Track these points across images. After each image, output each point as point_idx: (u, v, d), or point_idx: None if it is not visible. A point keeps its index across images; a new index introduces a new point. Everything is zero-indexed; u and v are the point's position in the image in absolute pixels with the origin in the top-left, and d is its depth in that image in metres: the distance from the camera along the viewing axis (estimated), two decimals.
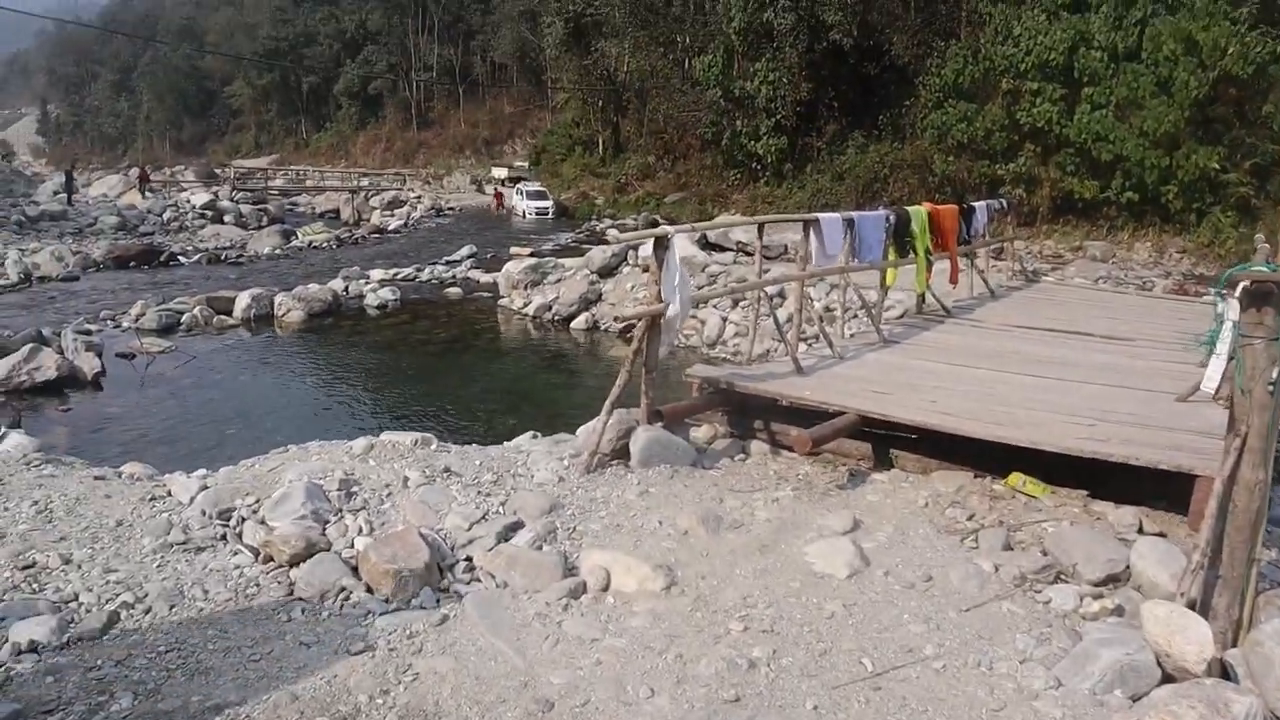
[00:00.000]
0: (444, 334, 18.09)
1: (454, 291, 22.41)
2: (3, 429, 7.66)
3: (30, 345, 13.09)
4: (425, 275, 24.43)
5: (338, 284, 21.13)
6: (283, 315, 18.36)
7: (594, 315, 18.37)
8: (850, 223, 9.71)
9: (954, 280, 12.72)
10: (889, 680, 3.97)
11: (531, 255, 24.65)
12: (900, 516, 5.79)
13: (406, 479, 6.02)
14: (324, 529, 5.19)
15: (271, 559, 4.87)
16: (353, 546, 5.03)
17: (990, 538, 5.38)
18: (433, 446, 6.86)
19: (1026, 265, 18.28)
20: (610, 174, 51.79)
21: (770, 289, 12.11)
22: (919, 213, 11.26)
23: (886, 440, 7.09)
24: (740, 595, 4.69)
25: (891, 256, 10.85)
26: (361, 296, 20.77)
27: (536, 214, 46.09)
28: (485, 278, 23.43)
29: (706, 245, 22.07)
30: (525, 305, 19.64)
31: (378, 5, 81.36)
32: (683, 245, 11.28)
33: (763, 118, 38.59)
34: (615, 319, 13.81)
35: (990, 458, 6.40)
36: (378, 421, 11.59)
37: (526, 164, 61.83)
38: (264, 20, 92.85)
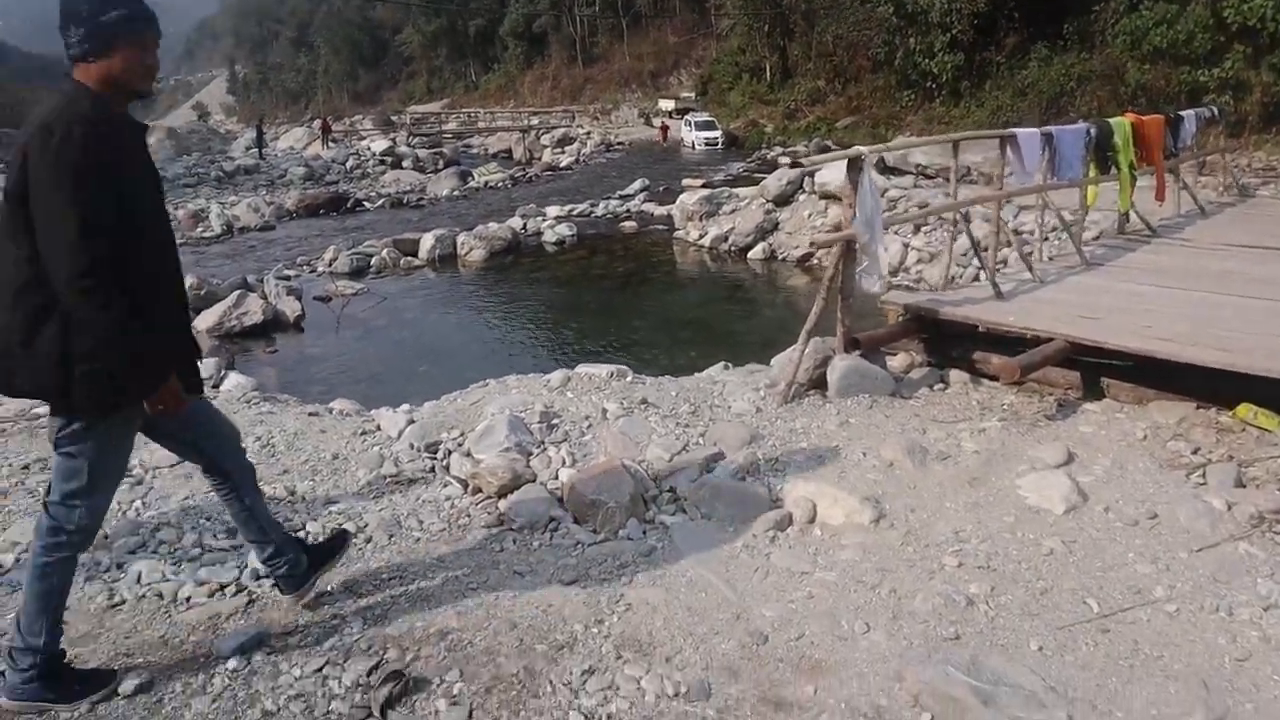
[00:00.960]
0: (622, 268, 18.20)
1: (629, 225, 22.48)
2: (223, 370, 8.12)
3: (238, 292, 13.94)
4: (600, 210, 24.60)
5: (516, 222, 21.53)
6: (465, 254, 18.85)
7: (770, 245, 18.11)
8: (1049, 138, 9.16)
9: (1160, 197, 11.87)
10: (1117, 622, 3.73)
11: (704, 186, 24.46)
12: (1117, 449, 5.45)
13: (605, 411, 6.05)
14: (528, 461, 5.26)
15: (480, 490, 4.98)
16: (557, 478, 5.09)
17: (1219, 473, 4.97)
18: (628, 378, 6.88)
19: (1238, 179, 16.93)
20: (779, 100, 50.71)
21: (933, 210, 11.66)
22: (1122, 125, 10.52)
23: (1095, 368, 6.68)
24: (952, 529, 4.52)
25: (1092, 173, 10.23)
26: (539, 233, 21.11)
27: (705, 145, 45.64)
28: (659, 210, 23.42)
29: (885, 169, 21.39)
30: (701, 236, 19.54)
31: None
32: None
33: (937, 34, 36.88)
34: (812, 243, 13.45)
35: (1214, 387, 5.90)
36: (565, 355, 11.79)
37: (693, 95, 61.26)
38: None
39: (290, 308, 14.13)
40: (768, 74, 54.11)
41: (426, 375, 10.89)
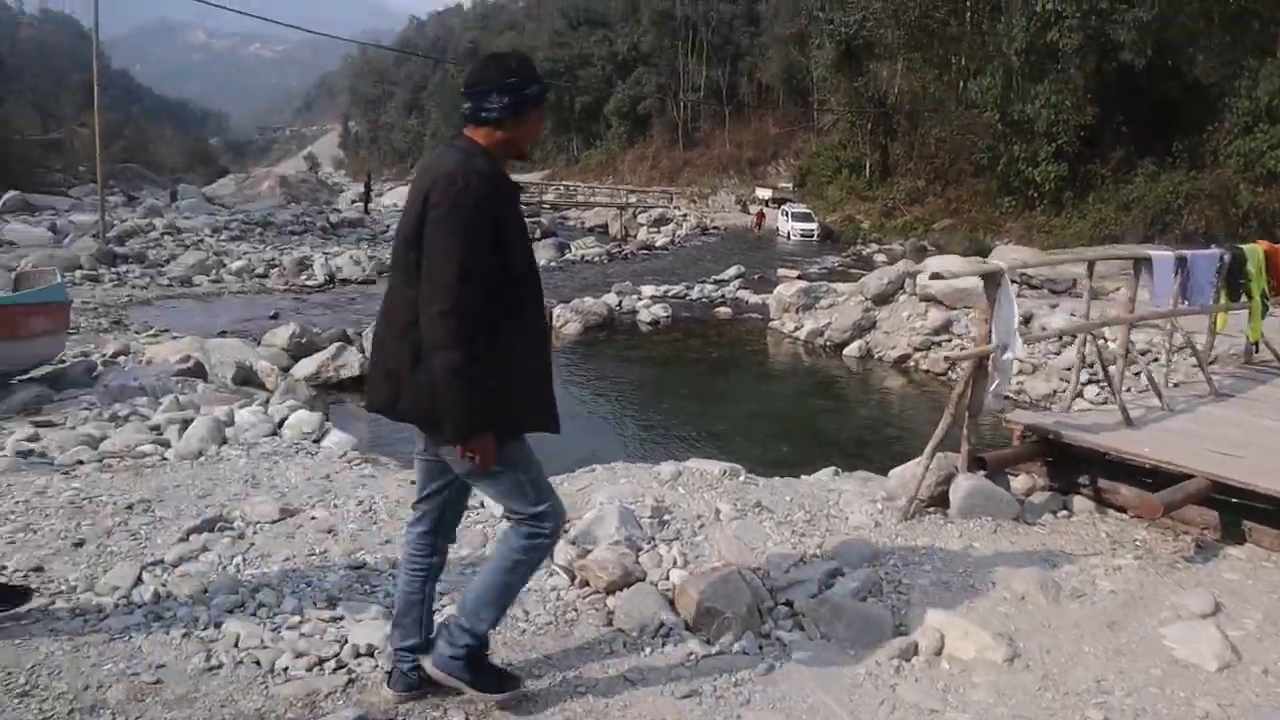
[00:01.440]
0: (715, 354, 18.10)
1: (724, 311, 22.45)
2: (324, 425, 8.10)
3: (338, 344, 14.08)
4: (695, 293, 24.65)
5: (611, 298, 21.64)
6: (560, 327, 18.92)
7: (867, 343, 17.86)
8: (1182, 262, 8.84)
9: None
10: None
11: (799, 278, 24.40)
12: (1268, 603, 5.05)
13: (718, 511, 5.82)
14: (637, 557, 5.04)
15: (587, 584, 4.77)
16: (668, 578, 4.85)
17: None
18: (741, 478, 6.65)
19: None
20: (877, 197, 50.81)
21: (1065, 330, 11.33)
22: (1255, 252, 10.12)
23: (1232, 506, 6.28)
24: (1093, 677, 4.18)
25: (1222, 299, 9.86)
26: (634, 312, 21.16)
27: (801, 236, 45.80)
28: (754, 298, 23.36)
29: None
30: (796, 329, 19.36)
31: (650, 28, 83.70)
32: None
33: (1042, 143, 36.65)
34: (945, 358, 13.26)
35: None
36: (658, 439, 11.62)
37: (790, 185, 61.67)
38: (543, 44, 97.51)
39: None
40: (867, 170, 54.27)
41: None
